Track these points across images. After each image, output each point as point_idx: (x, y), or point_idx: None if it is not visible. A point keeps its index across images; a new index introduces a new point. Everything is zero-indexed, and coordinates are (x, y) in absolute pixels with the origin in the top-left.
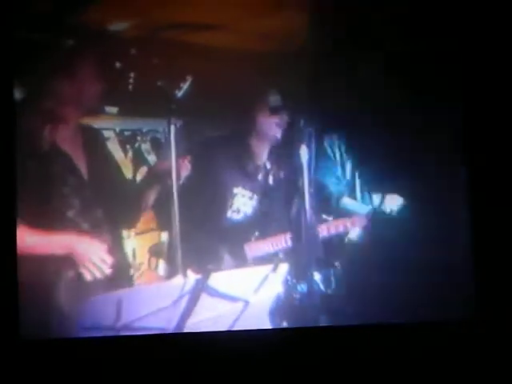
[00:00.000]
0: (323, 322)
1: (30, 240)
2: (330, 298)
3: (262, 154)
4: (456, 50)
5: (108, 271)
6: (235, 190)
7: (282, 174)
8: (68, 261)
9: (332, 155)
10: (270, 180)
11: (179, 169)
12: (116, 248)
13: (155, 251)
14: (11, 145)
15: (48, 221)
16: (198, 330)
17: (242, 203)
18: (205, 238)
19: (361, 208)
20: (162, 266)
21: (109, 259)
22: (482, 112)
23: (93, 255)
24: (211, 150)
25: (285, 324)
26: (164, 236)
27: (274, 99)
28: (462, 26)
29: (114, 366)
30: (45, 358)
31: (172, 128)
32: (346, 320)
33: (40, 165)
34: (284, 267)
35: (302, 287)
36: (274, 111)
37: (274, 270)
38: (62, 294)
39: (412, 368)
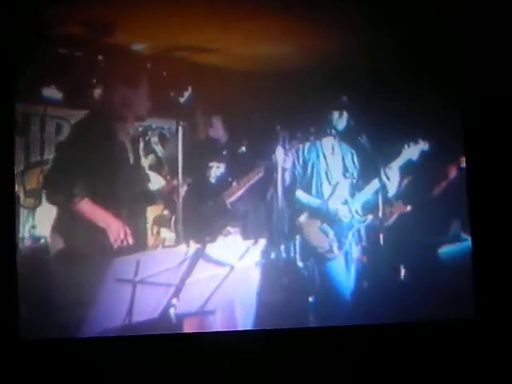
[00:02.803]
0: (285, 282)
1: (86, 208)
2: (290, 263)
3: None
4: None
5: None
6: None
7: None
8: (103, 232)
9: (296, 155)
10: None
11: None
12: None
13: (158, 221)
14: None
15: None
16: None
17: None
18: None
19: (311, 201)
20: (162, 232)
21: (130, 239)
22: (482, 115)
23: (121, 234)
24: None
25: (259, 281)
26: (166, 210)
27: None
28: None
29: (114, 365)
30: (45, 358)
31: (180, 128)
32: (301, 278)
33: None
34: (262, 241)
35: (272, 255)
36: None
37: (255, 243)
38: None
39: (412, 368)
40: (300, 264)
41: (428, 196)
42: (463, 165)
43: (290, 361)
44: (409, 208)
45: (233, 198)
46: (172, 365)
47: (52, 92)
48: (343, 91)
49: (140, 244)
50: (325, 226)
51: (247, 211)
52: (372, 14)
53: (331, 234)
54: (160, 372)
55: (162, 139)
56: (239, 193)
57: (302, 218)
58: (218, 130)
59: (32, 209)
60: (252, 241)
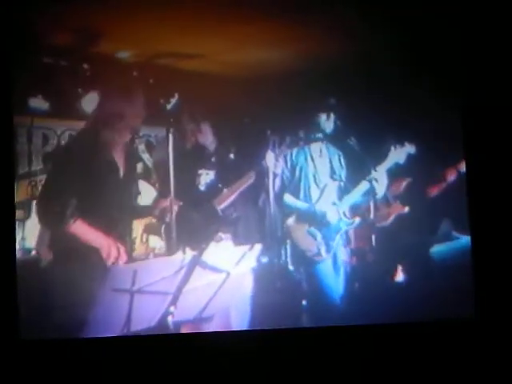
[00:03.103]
0: (278, 287)
1: (77, 229)
2: (282, 268)
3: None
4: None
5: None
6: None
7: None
8: (97, 251)
9: (284, 159)
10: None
11: None
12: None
13: (148, 229)
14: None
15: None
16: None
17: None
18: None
19: (299, 204)
20: (152, 241)
21: (124, 256)
22: (481, 113)
23: (114, 252)
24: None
25: (253, 287)
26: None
27: None
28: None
29: (114, 365)
30: (45, 358)
31: (170, 136)
32: (293, 282)
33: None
34: (258, 247)
35: (265, 260)
36: None
37: (250, 249)
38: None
39: (411, 368)
40: (291, 268)
41: (422, 197)
42: (462, 169)
43: (287, 360)
44: (406, 209)
45: (224, 205)
46: (170, 365)
47: (39, 102)
48: (333, 93)
49: (133, 257)
50: (312, 229)
51: (239, 217)
52: (367, 16)
53: (319, 236)
54: (158, 372)
55: (149, 147)
56: (230, 199)
57: (290, 222)
58: (206, 136)
59: (22, 221)
60: (247, 246)
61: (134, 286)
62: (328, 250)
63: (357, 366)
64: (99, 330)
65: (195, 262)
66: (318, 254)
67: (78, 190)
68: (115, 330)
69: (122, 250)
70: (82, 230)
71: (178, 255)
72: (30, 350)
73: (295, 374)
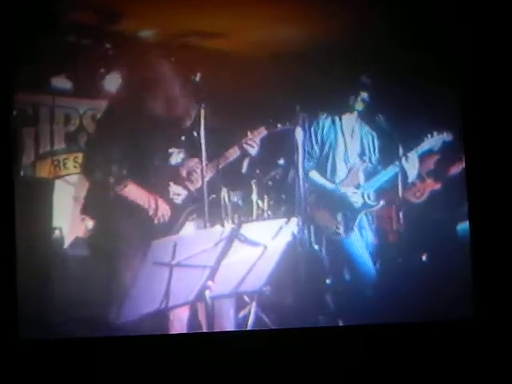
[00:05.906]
0: (303, 264)
1: (132, 190)
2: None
3: None
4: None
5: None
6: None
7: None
8: (145, 208)
9: (315, 134)
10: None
11: None
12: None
13: None
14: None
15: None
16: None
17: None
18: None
19: (325, 183)
20: None
21: (168, 214)
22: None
23: (159, 210)
24: None
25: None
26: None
27: None
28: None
29: (114, 366)
30: (44, 358)
31: (202, 111)
32: (318, 260)
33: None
34: (294, 221)
35: (297, 235)
36: None
37: (287, 222)
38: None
39: (411, 368)
40: (316, 246)
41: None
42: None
43: (287, 360)
44: (439, 186)
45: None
46: (171, 364)
47: (61, 81)
48: (364, 71)
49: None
50: (334, 207)
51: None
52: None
53: (339, 216)
54: (159, 372)
55: None
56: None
57: (312, 199)
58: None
59: (46, 200)
60: (284, 220)
61: (173, 259)
62: (346, 230)
63: (356, 367)
64: (138, 305)
65: (234, 235)
66: (337, 233)
67: (126, 152)
68: (154, 305)
69: (167, 206)
70: (131, 191)
71: (217, 228)
72: (30, 350)
73: (295, 373)
